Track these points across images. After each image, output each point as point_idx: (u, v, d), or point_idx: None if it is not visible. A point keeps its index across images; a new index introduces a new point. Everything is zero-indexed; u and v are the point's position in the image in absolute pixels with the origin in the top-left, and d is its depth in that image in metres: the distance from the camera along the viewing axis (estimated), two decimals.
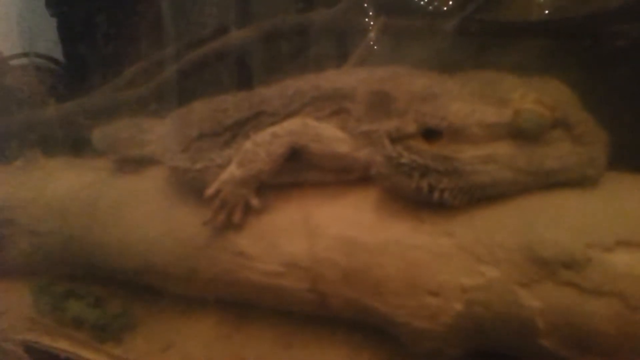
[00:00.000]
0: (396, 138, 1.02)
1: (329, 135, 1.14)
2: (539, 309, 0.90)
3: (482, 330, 0.98)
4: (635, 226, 0.88)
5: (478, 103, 0.97)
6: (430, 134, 1.00)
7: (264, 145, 1.16)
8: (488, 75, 1.05)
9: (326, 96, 1.19)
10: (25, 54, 2.48)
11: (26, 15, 2.48)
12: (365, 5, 1.87)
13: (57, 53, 2.53)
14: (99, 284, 1.55)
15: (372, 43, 1.74)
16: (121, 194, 1.52)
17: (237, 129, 1.28)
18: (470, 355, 1.05)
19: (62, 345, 1.41)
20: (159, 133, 1.54)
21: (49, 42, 2.51)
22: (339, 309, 1.17)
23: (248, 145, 1.18)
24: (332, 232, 1.13)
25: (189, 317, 1.42)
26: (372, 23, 1.82)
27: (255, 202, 1.21)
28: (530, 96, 0.95)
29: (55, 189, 1.66)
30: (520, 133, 0.95)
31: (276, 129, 1.16)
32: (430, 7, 1.83)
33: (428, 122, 0.99)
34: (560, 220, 0.92)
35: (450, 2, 1.79)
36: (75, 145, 1.96)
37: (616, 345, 0.86)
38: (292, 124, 1.15)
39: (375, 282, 1.07)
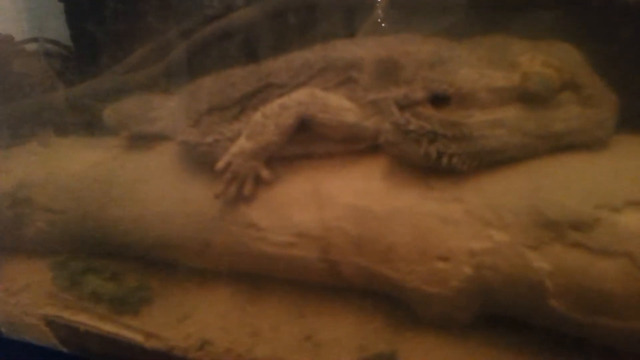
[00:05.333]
0: (404, 105, 1.02)
1: (337, 105, 1.14)
2: (548, 271, 0.91)
3: (492, 293, 0.99)
4: None
5: (486, 68, 0.97)
6: (438, 100, 1.00)
7: (272, 117, 1.16)
8: (496, 40, 1.04)
9: (333, 66, 1.19)
10: (34, 39, 2.48)
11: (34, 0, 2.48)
12: None
13: (65, 38, 2.53)
14: (115, 259, 1.57)
15: (379, 18, 1.72)
16: (134, 170, 1.54)
17: (246, 102, 1.28)
18: (480, 320, 1.07)
19: (81, 318, 1.45)
20: (169, 109, 1.55)
21: (57, 27, 2.51)
22: (350, 277, 1.18)
23: (257, 117, 1.19)
24: (342, 201, 1.14)
25: (204, 289, 1.44)
26: None
27: (265, 174, 1.23)
28: (538, 59, 0.95)
29: (70, 168, 1.68)
30: (529, 96, 0.95)
31: (284, 100, 1.16)
32: None
33: (436, 88, 0.99)
34: (568, 183, 0.93)
35: None
36: (87, 126, 1.98)
37: (625, 305, 0.87)
38: (300, 95, 1.16)
39: (385, 249, 1.08)
